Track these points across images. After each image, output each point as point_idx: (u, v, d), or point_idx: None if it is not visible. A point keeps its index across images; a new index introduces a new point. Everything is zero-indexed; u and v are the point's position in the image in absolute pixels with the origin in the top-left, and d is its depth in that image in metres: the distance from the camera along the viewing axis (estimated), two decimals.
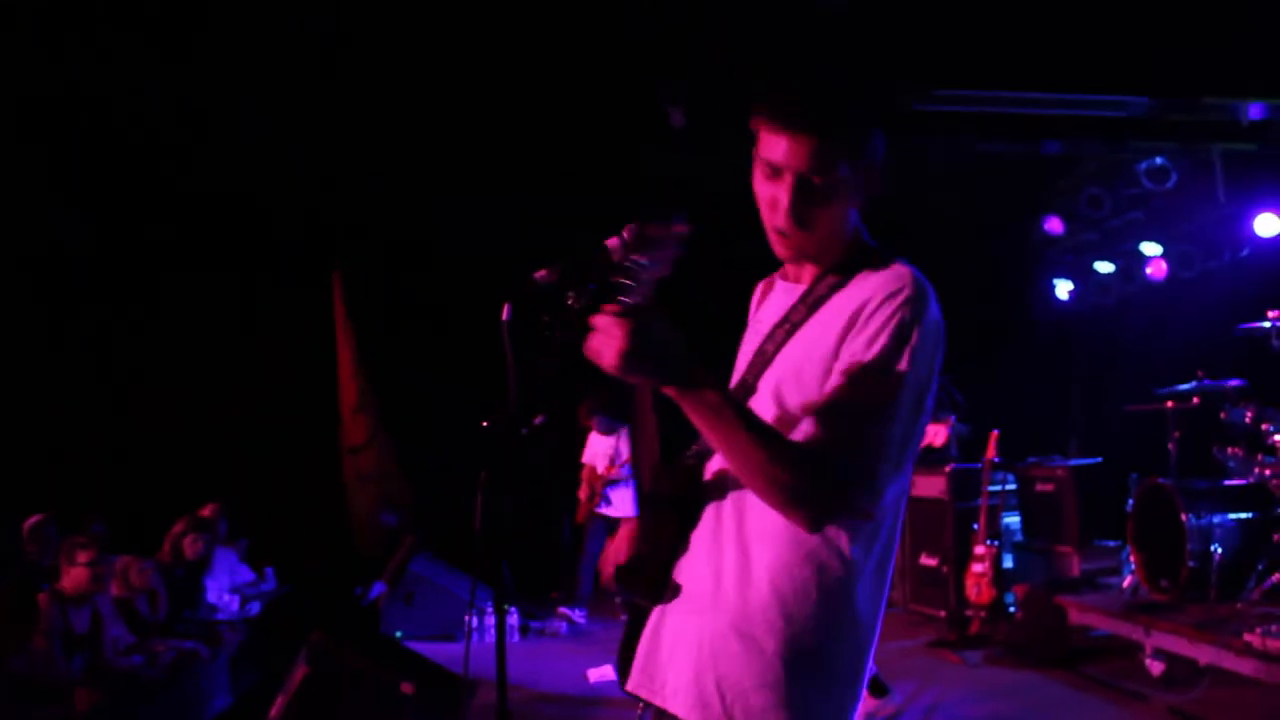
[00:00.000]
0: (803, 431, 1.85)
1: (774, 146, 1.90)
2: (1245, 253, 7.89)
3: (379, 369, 10.56)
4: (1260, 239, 7.60)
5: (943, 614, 7.79)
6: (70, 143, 8.07)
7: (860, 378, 1.83)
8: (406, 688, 4.67)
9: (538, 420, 7.58)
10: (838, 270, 1.97)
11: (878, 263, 1.94)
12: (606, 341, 1.72)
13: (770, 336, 2.02)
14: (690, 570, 2.00)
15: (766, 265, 2.20)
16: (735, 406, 1.81)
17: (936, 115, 6.81)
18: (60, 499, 7.42)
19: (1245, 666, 5.17)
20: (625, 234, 1.98)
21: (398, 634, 7.72)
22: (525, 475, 9.06)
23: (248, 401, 9.75)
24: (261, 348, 9.79)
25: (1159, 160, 7.76)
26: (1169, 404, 6.80)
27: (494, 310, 2.01)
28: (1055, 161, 8.53)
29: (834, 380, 1.85)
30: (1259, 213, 7.53)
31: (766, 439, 1.80)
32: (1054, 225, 9.25)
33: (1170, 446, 6.77)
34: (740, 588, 1.90)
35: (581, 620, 8.53)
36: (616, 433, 8.92)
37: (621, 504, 8.85)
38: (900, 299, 1.86)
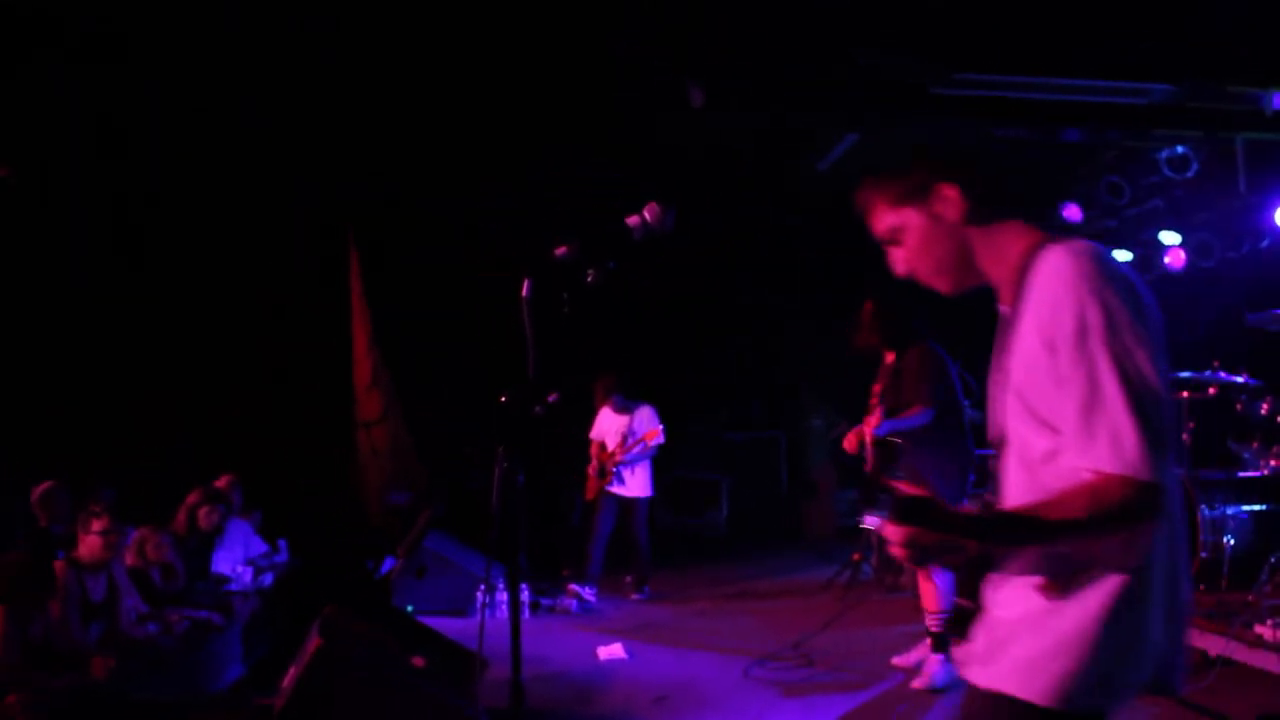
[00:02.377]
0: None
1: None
2: (1265, 243, 7.84)
3: (393, 345, 10.60)
4: None
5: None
6: (85, 115, 8.11)
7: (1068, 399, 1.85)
8: (418, 661, 4.70)
9: (552, 398, 7.59)
10: (1016, 284, 1.99)
11: (1038, 263, 1.95)
12: (896, 550, 1.87)
13: (998, 368, 2.05)
14: None
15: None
16: (1006, 533, 1.92)
17: (956, 99, 6.77)
18: (74, 469, 7.47)
19: (1256, 658, 5.18)
20: (645, 213, 1.99)
21: (409, 608, 7.76)
22: (537, 451, 9.09)
23: (264, 376, 9.80)
24: (278, 323, 9.83)
25: (1180, 149, 7.70)
26: (1184, 394, 6.77)
27: (511, 286, 2.01)
28: (1075, 148, 8.49)
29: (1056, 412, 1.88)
30: None
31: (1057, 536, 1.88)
32: (1072, 212, 9.19)
33: (1185, 437, 6.75)
34: None
35: (592, 598, 8.54)
36: (632, 412, 8.86)
37: (634, 483, 8.81)
38: (1062, 302, 1.86)
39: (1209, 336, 7.23)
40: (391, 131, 8.52)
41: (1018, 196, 2.08)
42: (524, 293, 1.97)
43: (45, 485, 6.92)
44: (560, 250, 1.95)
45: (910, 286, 2.20)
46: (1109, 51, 6.36)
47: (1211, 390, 6.56)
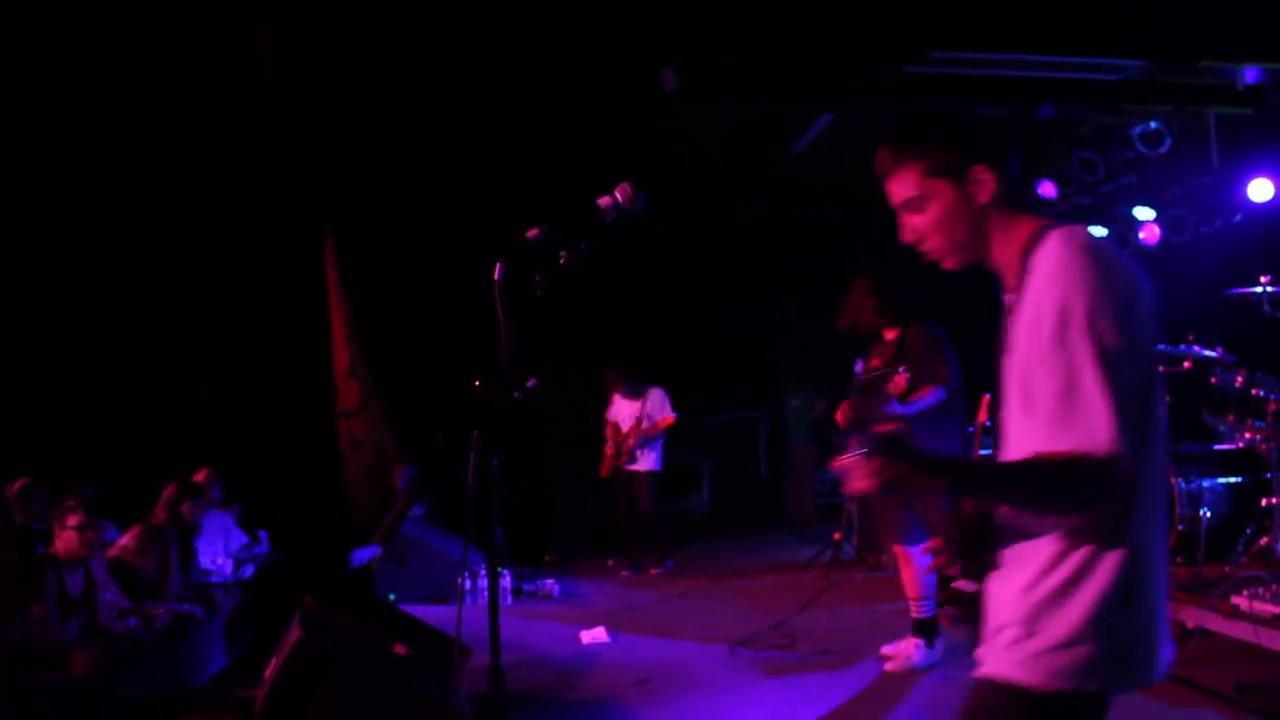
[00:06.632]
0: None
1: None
2: (1238, 218, 7.88)
3: (369, 332, 10.54)
4: (1253, 204, 7.59)
5: None
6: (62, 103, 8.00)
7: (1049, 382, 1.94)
8: (399, 650, 4.69)
9: (531, 383, 7.59)
10: (1020, 272, 2.08)
11: (1039, 250, 2.03)
12: (858, 480, 1.91)
13: (1007, 360, 2.11)
14: None
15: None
16: (988, 482, 2.03)
17: (931, 78, 6.76)
18: (50, 464, 7.40)
19: (1233, 629, 5.22)
20: (617, 193, 1.98)
21: (391, 597, 7.75)
22: (515, 437, 9.11)
23: (241, 366, 9.74)
24: (254, 312, 9.75)
25: (1153, 124, 7.72)
26: (1160, 368, 6.78)
27: (486, 271, 2.00)
28: (1048, 125, 8.49)
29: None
30: (1253, 178, 7.51)
31: (1024, 492, 1.99)
32: (1047, 189, 9.21)
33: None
34: None
35: (669, 566, 9.36)
36: (643, 395, 9.38)
37: (645, 460, 9.34)
38: (1051, 290, 1.94)
39: (1183, 311, 7.26)
40: (366, 121, 8.44)
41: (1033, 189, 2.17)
42: (496, 276, 1.96)
43: (20, 482, 6.85)
44: (532, 233, 1.93)
45: (898, 263, 2.22)
46: (1081, 27, 6.35)
47: (1186, 364, 6.58)
